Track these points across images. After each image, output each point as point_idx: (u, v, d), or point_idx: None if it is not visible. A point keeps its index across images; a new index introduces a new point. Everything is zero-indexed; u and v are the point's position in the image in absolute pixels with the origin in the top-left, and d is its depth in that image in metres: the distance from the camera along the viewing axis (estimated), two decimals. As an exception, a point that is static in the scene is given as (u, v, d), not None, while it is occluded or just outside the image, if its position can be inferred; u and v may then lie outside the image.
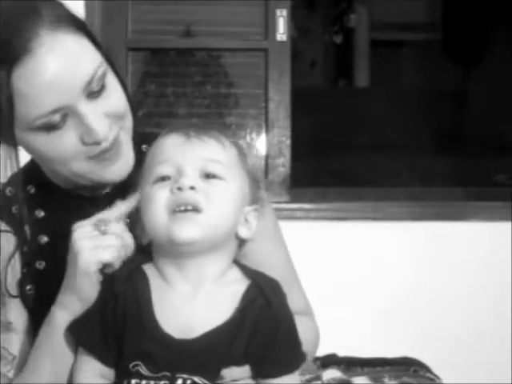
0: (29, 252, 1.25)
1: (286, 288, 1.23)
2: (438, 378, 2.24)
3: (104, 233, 1.10)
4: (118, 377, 1.08)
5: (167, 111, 2.89)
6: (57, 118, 1.13)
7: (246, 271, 1.13)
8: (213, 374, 1.05)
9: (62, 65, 1.12)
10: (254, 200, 1.15)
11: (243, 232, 1.14)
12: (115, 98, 1.20)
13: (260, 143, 2.84)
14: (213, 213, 1.07)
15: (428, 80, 8.69)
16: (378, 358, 2.32)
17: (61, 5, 1.19)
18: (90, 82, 1.15)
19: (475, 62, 8.46)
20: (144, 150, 1.29)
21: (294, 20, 3.07)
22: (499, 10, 7.13)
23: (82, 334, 1.11)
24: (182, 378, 1.04)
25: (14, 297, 1.24)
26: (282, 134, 2.80)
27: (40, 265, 1.25)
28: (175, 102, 2.88)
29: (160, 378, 1.05)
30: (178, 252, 1.08)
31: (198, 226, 1.06)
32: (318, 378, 2.16)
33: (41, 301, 1.23)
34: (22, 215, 1.26)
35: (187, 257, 1.09)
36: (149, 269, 1.12)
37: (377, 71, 9.23)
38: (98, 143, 1.16)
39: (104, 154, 1.19)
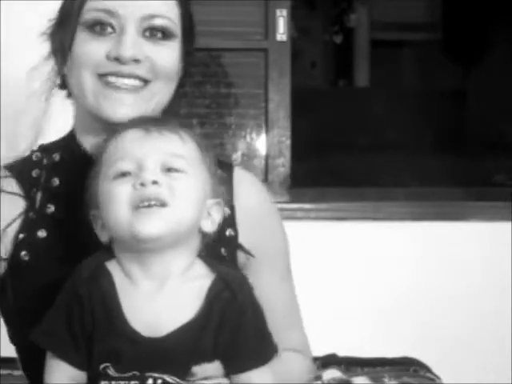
0: (34, 219, 1.24)
1: (288, 324, 1.25)
2: (437, 377, 2.24)
3: None
4: (90, 379, 1.07)
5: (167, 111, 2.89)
6: (105, 20, 1.17)
7: (211, 265, 1.12)
8: (183, 371, 1.04)
9: None
10: (216, 194, 1.13)
11: (206, 226, 1.12)
12: (166, 56, 1.21)
13: (260, 143, 2.84)
14: (177, 207, 1.06)
15: (428, 80, 8.69)
16: (378, 358, 2.32)
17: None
18: (151, 18, 1.18)
19: (475, 62, 8.46)
20: None
21: (294, 20, 3.07)
22: (499, 10, 7.13)
23: (49, 340, 1.08)
24: (152, 377, 1.03)
25: (4, 259, 1.23)
26: (282, 134, 2.80)
27: (42, 233, 1.23)
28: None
29: (130, 378, 1.03)
30: (141, 248, 1.06)
31: (162, 220, 1.04)
32: (318, 377, 2.16)
33: (36, 268, 1.21)
34: (39, 181, 1.26)
35: (150, 253, 1.07)
36: (112, 266, 1.10)
37: (377, 71, 9.23)
38: (119, 60, 1.17)
39: (116, 82, 1.18)
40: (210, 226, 1.12)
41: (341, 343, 2.41)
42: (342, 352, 2.35)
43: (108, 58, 1.17)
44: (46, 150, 1.30)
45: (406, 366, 2.27)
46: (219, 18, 2.82)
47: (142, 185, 1.05)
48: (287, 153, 2.80)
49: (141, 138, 1.09)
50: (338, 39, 8.47)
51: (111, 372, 1.03)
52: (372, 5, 8.92)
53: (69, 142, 1.29)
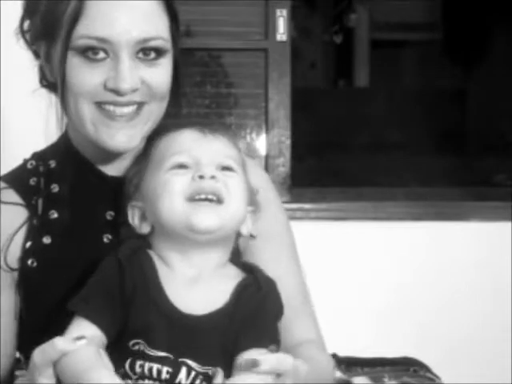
0: (38, 226, 1.24)
1: (292, 315, 1.23)
2: (438, 377, 2.24)
3: None
4: (117, 358, 1.07)
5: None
6: (98, 47, 1.14)
7: (243, 267, 1.16)
8: (212, 356, 1.06)
9: (133, 7, 1.15)
10: (251, 202, 1.18)
11: (244, 229, 1.17)
12: (160, 76, 1.20)
13: (260, 143, 2.84)
14: (231, 203, 1.10)
15: (428, 80, 8.69)
16: (378, 358, 2.32)
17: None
18: (146, 41, 1.17)
19: (475, 61, 8.46)
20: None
21: (294, 20, 3.07)
22: (499, 9, 7.13)
23: (84, 304, 1.09)
24: (186, 365, 1.04)
25: (14, 270, 1.23)
26: (282, 134, 2.80)
27: (47, 240, 1.23)
28: (175, 101, 2.88)
29: (163, 362, 1.04)
30: (193, 239, 1.09)
31: (218, 216, 1.08)
32: (348, 383, 2.16)
33: (44, 275, 1.22)
34: (38, 188, 1.26)
35: (194, 245, 1.10)
36: (152, 253, 1.13)
37: (377, 71, 9.23)
38: (118, 93, 1.16)
39: (114, 111, 1.17)
40: (245, 230, 1.17)
41: (341, 343, 2.40)
42: (342, 352, 2.35)
43: (105, 87, 1.16)
44: (40, 157, 1.30)
45: (406, 365, 2.27)
46: (219, 17, 2.82)
47: (201, 177, 1.08)
48: (287, 153, 2.80)
49: (198, 138, 1.14)
50: (338, 39, 8.47)
51: (144, 348, 1.04)
52: (372, 5, 8.92)
53: (65, 148, 1.28)
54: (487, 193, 2.91)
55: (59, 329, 1.13)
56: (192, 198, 1.08)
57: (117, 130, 1.17)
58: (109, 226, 1.23)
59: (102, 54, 1.15)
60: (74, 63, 1.16)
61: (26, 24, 1.24)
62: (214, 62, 2.91)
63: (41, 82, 1.27)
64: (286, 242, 1.38)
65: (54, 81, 1.20)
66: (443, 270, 2.69)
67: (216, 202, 1.08)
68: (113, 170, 1.25)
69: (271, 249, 1.30)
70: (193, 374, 1.04)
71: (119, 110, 1.17)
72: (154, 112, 1.21)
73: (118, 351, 1.07)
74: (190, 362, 1.05)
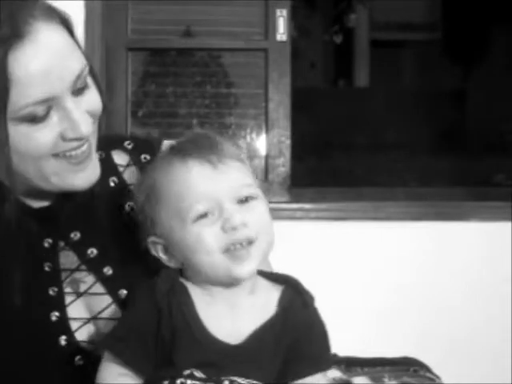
0: None
1: None
2: (438, 377, 2.24)
3: None
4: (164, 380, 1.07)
5: (167, 111, 2.89)
6: (42, 109, 1.09)
7: (271, 277, 1.16)
8: (263, 374, 1.07)
9: (58, 54, 1.09)
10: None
11: None
12: (95, 97, 1.15)
13: (260, 143, 2.84)
14: (262, 239, 1.09)
15: (428, 80, 8.70)
16: (378, 358, 2.32)
17: (50, 1, 1.16)
18: (78, 78, 1.12)
19: (475, 61, 8.47)
20: (143, 160, 1.26)
21: (294, 20, 3.07)
22: (499, 9, 7.13)
23: (120, 347, 1.09)
24: (228, 379, 1.05)
25: None
26: (282, 134, 2.80)
27: None
28: (175, 101, 2.88)
29: (206, 380, 1.06)
30: (236, 284, 1.10)
31: (255, 257, 1.09)
32: (348, 382, 2.16)
33: None
34: None
35: None
36: (185, 281, 1.13)
37: (377, 71, 9.23)
38: (79, 139, 1.12)
39: (76, 154, 1.13)
40: None
41: (341, 343, 2.40)
42: (342, 352, 2.35)
43: (63, 139, 1.11)
44: None
45: (406, 365, 2.27)
46: (219, 17, 2.82)
47: (234, 229, 1.07)
48: (287, 153, 2.80)
49: (209, 174, 1.08)
50: (338, 39, 8.47)
51: (197, 373, 1.06)
52: (372, 5, 8.92)
53: None
54: (487, 193, 2.91)
55: (25, 373, 1.16)
56: (228, 250, 1.07)
57: (84, 171, 1.16)
58: (47, 253, 1.21)
59: (45, 111, 1.10)
60: (21, 132, 1.09)
61: None
62: (214, 62, 2.91)
63: None
64: None
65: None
66: (443, 270, 2.68)
67: (248, 245, 1.08)
68: (42, 202, 1.21)
69: None
70: None
71: (80, 151, 1.14)
72: (95, 132, 1.19)
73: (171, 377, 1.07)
74: (233, 378, 1.06)
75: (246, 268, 1.08)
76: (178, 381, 1.05)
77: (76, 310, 1.20)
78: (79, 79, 1.11)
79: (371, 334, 2.64)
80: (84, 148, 1.14)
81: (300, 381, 1.09)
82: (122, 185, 1.25)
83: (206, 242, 1.07)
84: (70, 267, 1.21)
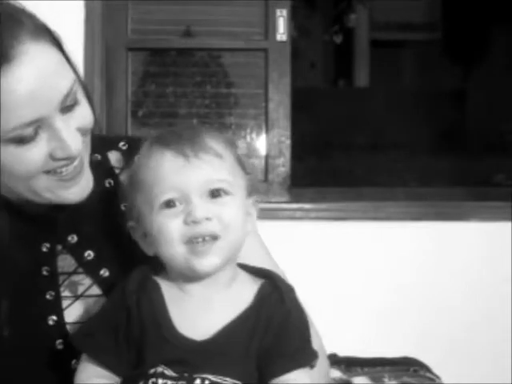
0: None
1: None
2: (438, 377, 2.24)
3: None
4: (137, 378, 1.08)
5: (167, 111, 2.89)
6: (30, 130, 1.08)
7: (255, 271, 1.15)
8: (236, 370, 1.06)
9: (44, 75, 1.08)
10: (252, 189, 1.16)
11: (249, 227, 1.15)
12: (86, 112, 1.16)
13: (260, 143, 2.84)
14: (229, 236, 1.08)
15: (428, 80, 8.70)
16: (378, 358, 2.32)
17: (38, 17, 1.14)
18: (67, 96, 1.11)
19: (475, 61, 8.47)
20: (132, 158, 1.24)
21: (294, 20, 3.07)
22: (499, 9, 7.13)
23: (89, 343, 1.10)
24: (200, 377, 1.05)
25: None
26: (282, 134, 2.80)
27: None
28: (175, 101, 2.88)
29: (177, 378, 1.05)
30: (197, 278, 1.09)
31: (218, 253, 1.08)
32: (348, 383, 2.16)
33: None
34: None
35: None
36: (159, 277, 1.13)
37: (377, 71, 9.24)
38: (69, 159, 1.12)
39: (67, 171, 1.13)
40: (251, 226, 1.15)
41: (341, 343, 2.40)
42: (342, 352, 2.35)
43: (53, 158, 1.11)
44: None
45: (406, 365, 2.27)
46: (219, 17, 2.82)
47: (195, 222, 1.06)
48: (287, 153, 2.80)
49: (181, 167, 1.08)
50: (338, 39, 8.47)
51: (167, 372, 1.05)
52: (372, 5, 8.92)
53: None
54: (487, 193, 2.91)
55: (21, 376, 1.16)
56: (190, 242, 1.07)
57: (76, 185, 1.16)
58: (45, 257, 1.22)
59: (33, 132, 1.09)
60: (10, 152, 1.09)
61: None
62: (214, 62, 2.91)
63: None
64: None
65: None
66: (443, 270, 2.68)
67: (212, 240, 1.07)
68: (38, 208, 1.21)
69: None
70: (207, 382, 1.05)
71: (72, 167, 1.14)
72: (89, 143, 1.19)
73: (139, 375, 1.08)
74: (205, 375, 1.05)
75: (206, 262, 1.07)
76: (150, 381, 1.05)
77: (73, 313, 1.21)
78: (68, 97, 1.11)
79: (371, 334, 2.64)
80: (76, 163, 1.14)
81: (276, 380, 1.06)
82: (118, 186, 1.26)
83: (167, 232, 1.07)
84: (68, 270, 1.22)
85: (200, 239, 1.06)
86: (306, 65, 8.85)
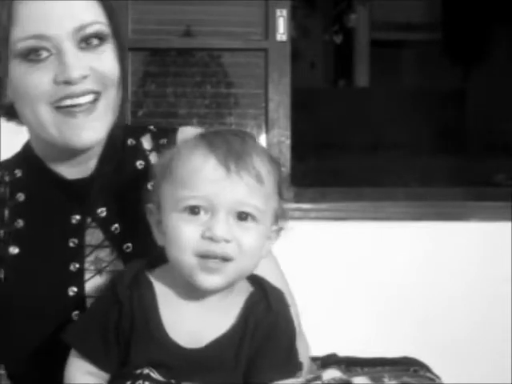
0: (4, 236, 1.24)
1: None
2: (438, 377, 2.23)
3: None
4: (123, 377, 1.07)
5: (167, 111, 2.89)
6: (37, 45, 1.13)
7: (252, 279, 1.13)
8: (224, 380, 1.05)
9: (65, 1, 1.15)
10: (281, 215, 1.14)
11: (263, 252, 1.12)
12: (107, 62, 1.19)
13: (260, 143, 2.84)
14: (242, 261, 1.06)
15: (428, 80, 8.69)
16: (378, 358, 2.31)
17: None
18: (83, 28, 1.15)
19: (475, 61, 8.47)
20: (161, 143, 1.29)
21: (294, 20, 3.07)
22: (499, 9, 7.13)
23: (79, 340, 1.10)
24: None
25: None
26: (282, 134, 2.80)
27: (14, 250, 1.23)
28: (175, 102, 2.88)
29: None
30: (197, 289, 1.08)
31: (225, 274, 1.05)
32: (318, 378, 2.16)
33: (13, 286, 1.22)
34: (4, 198, 1.26)
35: None
36: (154, 275, 1.11)
37: (377, 71, 9.24)
38: (69, 82, 1.14)
39: (72, 106, 1.16)
40: (266, 250, 1.13)
41: (341, 343, 2.40)
42: (342, 352, 2.34)
43: (56, 83, 1.15)
44: (5, 167, 1.30)
45: (406, 365, 2.27)
46: (219, 17, 2.82)
47: (212, 240, 1.03)
48: (287, 153, 2.80)
49: (219, 179, 1.04)
50: (338, 39, 8.48)
51: (153, 375, 1.05)
52: (372, 5, 8.93)
53: (28, 158, 1.28)
54: (487, 193, 2.91)
55: (35, 339, 1.17)
56: (202, 256, 1.04)
57: (80, 127, 1.17)
58: (74, 229, 1.24)
59: (44, 54, 1.14)
60: (21, 70, 1.15)
61: None
62: (214, 62, 2.91)
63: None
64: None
65: (11, 97, 1.19)
66: (443, 270, 2.68)
67: (223, 261, 1.04)
68: (76, 173, 1.25)
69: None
70: None
71: (76, 102, 1.16)
72: (111, 101, 1.20)
73: (126, 373, 1.07)
74: None
75: (210, 281, 1.04)
76: (137, 383, 1.04)
77: (94, 286, 1.22)
78: (85, 30, 1.15)
79: (371, 334, 2.64)
80: (81, 101, 1.16)
81: None
82: (148, 167, 1.28)
83: (182, 238, 1.05)
84: (95, 243, 1.24)
85: (213, 257, 1.04)
86: (306, 65, 8.85)
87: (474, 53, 8.48)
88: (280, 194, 1.12)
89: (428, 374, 2.22)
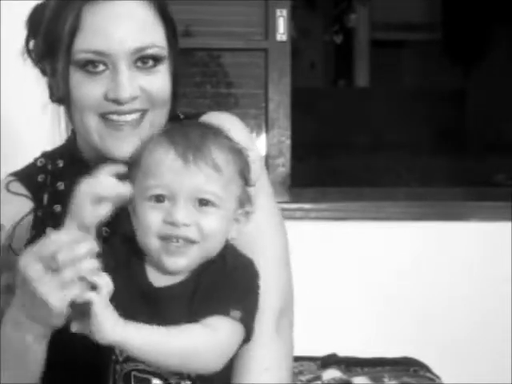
0: (42, 218, 1.32)
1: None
2: (438, 377, 2.24)
3: (58, 269, 1.05)
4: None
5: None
6: (95, 59, 1.19)
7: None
8: (173, 321, 1.09)
9: (127, 20, 1.20)
10: (247, 200, 1.19)
11: (230, 235, 1.18)
12: (159, 83, 1.23)
13: (260, 143, 2.84)
14: (205, 243, 1.13)
15: (428, 80, 8.70)
16: (378, 358, 2.32)
17: None
18: (142, 50, 1.20)
19: (475, 61, 8.48)
20: None
21: (294, 20, 3.07)
22: (499, 9, 7.13)
23: None
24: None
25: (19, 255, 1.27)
26: (282, 134, 2.80)
27: (50, 231, 1.27)
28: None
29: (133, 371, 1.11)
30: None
31: (189, 257, 1.12)
32: (318, 378, 2.16)
33: None
34: (45, 184, 1.35)
35: None
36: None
37: (377, 71, 9.24)
38: (118, 102, 1.20)
39: (118, 120, 1.21)
40: (233, 234, 1.18)
41: (341, 343, 2.40)
42: (342, 352, 2.35)
43: (106, 99, 1.21)
44: (49, 156, 1.38)
45: (406, 366, 2.27)
46: (219, 17, 2.82)
47: (173, 224, 1.11)
48: (287, 153, 2.80)
49: (178, 169, 1.12)
50: (338, 39, 8.48)
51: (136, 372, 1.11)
52: (372, 5, 8.93)
53: (71, 150, 1.35)
54: (487, 193, 2.91)
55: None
56: (165, 239, 1.12)
57: (122, 140, 1.22)
58: (106, 219, 1.25)
59: (101, 67, 1.20)
60: (76, 78, 1.21)
61: (31, 44, 1.29)
62: (214, 62, 2.91)
63: (50, 97, 1.31)
64: (271, 245, 1.38)
65: (61, 96, 1.25)
66: (443, 270, 2.68)
67: (186, 243, 1.12)
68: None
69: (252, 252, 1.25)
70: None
71: (123, 119, 1.22)
72: (157, 119, 1.25)
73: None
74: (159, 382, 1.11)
75: (175, 263, 1.12)
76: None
77: None
78: (140, 52, 1.20)
79: (371, 333, 2.64)
80: (128, 118, 1.22)
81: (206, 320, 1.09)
82: None
83: (146, 223, 1.13)
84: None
85: (174, 240, 1.11)
86: (306, 65, 8.86)
87: (474, 53, 8.49)
88: (245, 180, 1.18)
89: (428, 374, 2.22)
